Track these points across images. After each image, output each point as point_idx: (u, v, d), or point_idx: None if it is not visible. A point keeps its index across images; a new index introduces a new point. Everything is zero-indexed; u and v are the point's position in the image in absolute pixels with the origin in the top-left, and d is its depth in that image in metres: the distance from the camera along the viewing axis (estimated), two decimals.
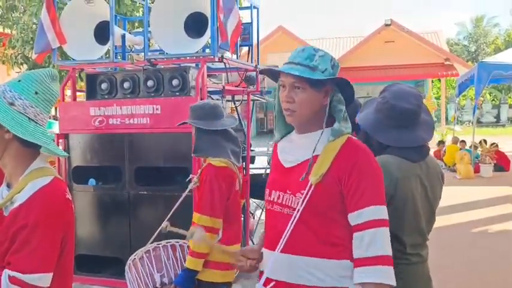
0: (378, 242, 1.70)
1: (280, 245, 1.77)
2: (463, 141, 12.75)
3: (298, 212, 1.75)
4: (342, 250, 1.75)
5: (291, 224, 1.76)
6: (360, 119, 2.31)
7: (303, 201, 1.74)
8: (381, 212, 1.73)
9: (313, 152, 1.79)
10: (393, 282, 1.71)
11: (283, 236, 1.77)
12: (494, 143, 12.25)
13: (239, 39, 4.65)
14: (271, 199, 1.88)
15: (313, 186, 1.74)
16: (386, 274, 1.69)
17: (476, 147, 12.18)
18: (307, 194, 1.74)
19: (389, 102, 2.20)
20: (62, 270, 1.69)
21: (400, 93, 2.22)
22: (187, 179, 3.24)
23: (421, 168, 2.21)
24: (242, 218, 4.44)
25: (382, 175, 1.81)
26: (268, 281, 1.80)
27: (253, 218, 6.12)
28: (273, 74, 1.93)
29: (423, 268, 2.23)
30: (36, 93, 1.65)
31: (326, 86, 1.80)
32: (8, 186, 1.73)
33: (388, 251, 1.72)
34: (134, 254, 3.04)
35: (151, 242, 3.13)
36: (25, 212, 1.59)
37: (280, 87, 1.85)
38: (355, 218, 1.73)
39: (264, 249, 1.93)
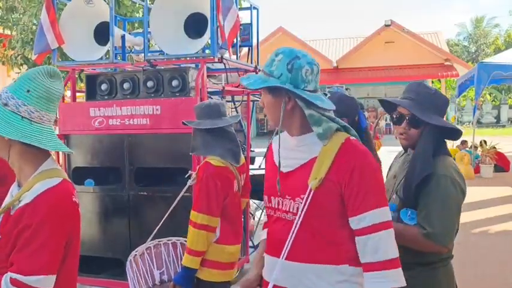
0: (383, 246, 1.69)
1: (284, 252, 1.76)
2: (464, 141, 12.71)
3: (299, 217, 1.74)
4: (342, 254, 1.75)
5: (294, 229, 1.75)
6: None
7: (304, 205, 1.73)
8: (383, 214, 1.72)
9: (310, 155, 1.77)
10: (402, 284, 1.71)
11: (286, 243, 1.76)
12: (493, 147, 12.24)
13: (239, 39, 4.65)
14: (272, 205, 1.87)
15: (312, 191, 1.72)
16: (394, 277, 1.69)
17: (476, 148, 12.17)
18: (307, 198, 1.72)
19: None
20: (66, 274, 1.67)
21: None
22: (187, 175, 3.24)
23: None
24: (242, 219, 4.45)
25: (381, 174, 1.79)
26: None
27: (253, 218, 6.12)
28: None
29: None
30: (28, 91, 1.64)
31: (282, 91, 1.76)
32: (19, 185, 1.73)
33: (395, 253, 1.71)
34: (135, 251, 3.05)
35: (152, 239, 3.14)
36: (30, 212, 1.58)
37: None
38: (357, 222, 1.71)
39: (266, 256, 1.92)
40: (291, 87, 1.73)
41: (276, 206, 1.85)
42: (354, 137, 1.82)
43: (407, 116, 2.20)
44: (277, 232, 1.83)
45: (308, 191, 1.73)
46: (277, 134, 1.88)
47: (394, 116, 2.27)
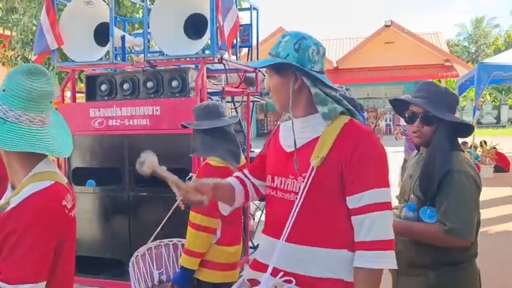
0: (378, 226, 1.67)
1: (284, 234, 1.74)
2: (464, 142, 12.69)
3: (301, 196, 1.72)
4: (341, 238, 1.73)
5: (295, 210, 1.73)
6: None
7: (306, 184, 1.71)
8: (382, 194, 1.70)
9: (313, 135, 1.77)
10: (392, 266, 1.70)
11: (287, 224, 1.74)
12: (494, 147, 12.23)
13: (239, 40, 4.65)
14: (275, 185, 1.85)
15: (314, 169, 1.71)
16: (385, 259, 1.67)
17: (476, 148, 12.17)
18: (309, 177, 1.71)
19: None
20: (60, 281, 1.61)
21: None
22: (187, 177, 3.24)
23: None
24: (242, 219, 4.44)
25: (386, 156, 1.78)
26: (276, 271, 1.75)
27: (253, 219, 6.11)
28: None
29: None
30: (4, 90, 1.58)
31: (289, 71, 1.77)
32: (12, 187, 1.68)
33: (390, 235, 1.70)
34: (137, 251, 3.05)
35: (153, 240, 3.14)
36: (16, 216, 1.52)
37: None
38: (356, 201, 1.70)
39: (264, 235, 1.89)
40: (298, 65, 1.76)
41: (278, 186, 1.83)
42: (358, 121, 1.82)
43: (420, 114, 2.24)
44: (277, 212, 1.82)
45: (310, 169, 1.71)
46: (284, 120, 1.93)
47: (407, 115, 2.30)
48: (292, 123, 1.82)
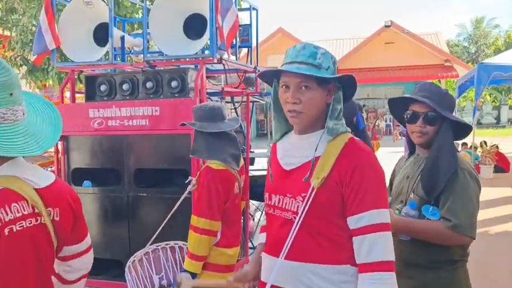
0: (378, 247, 1.66)
1: (283, 252, 1.73)
2: (464, 143, 12.68)
3: (300, 216, 1.72)
4: (342, 254, 1.73)
5: (294, 229, 1.72)
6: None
7: (305, 204, 1.71)
8: (381, 215, 1.69)
9: (315, 153, 1.75)
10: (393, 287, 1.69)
11: (286, 243, 1.73)
12: (494, 145, 12.24)
13: (238, 40, 4.64)
14: (272, 203, 1.84)
15: (314, 190, 1.70)
16: (385, 281, 1.66)
17: (476, 148, 12.16)
18: (309, 197, 1.70)
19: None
20: None
21: None
22: (187, 181, 3.23)
23: None
24: (242, 220, 4.44)
25: (384, 177, 1.78)
26: None
27: (253, 220, 6.11)
28: (269, 76, 1.87)
29: None
30: None
31: (330, 84, 1.76)
32: None
33: (390, 256, 1.69)
34: (133, 256, 3.04)
35: (151, 244, 3.13)
36: None
37: (280, 87, 1.79)
38: (355, 222, 1.69)
39: (265, 255, 1.89)
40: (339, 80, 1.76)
41: (276, 204, 1.82)
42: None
43: (423, 113, 2.24)
44: (277, 231, 1.81)
45: (310, 189, 1.71)
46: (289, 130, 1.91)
47: (407, 115, 2.30)
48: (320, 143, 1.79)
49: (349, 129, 1.82)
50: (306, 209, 1.71)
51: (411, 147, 2.42)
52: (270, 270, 1.78)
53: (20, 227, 1.55)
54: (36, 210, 1.59)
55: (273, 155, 1.96)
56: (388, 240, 1.70)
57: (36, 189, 1.60)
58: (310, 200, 1.70)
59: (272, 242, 1.85)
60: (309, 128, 1.80)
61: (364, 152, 1.76)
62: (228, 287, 1.81)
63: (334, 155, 1.73)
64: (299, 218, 1.72)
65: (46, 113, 1.71)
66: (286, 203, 1.78)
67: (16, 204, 1.54)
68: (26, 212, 1.56)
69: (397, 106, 2.40)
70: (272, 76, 1.87)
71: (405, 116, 2.32)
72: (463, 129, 2.30)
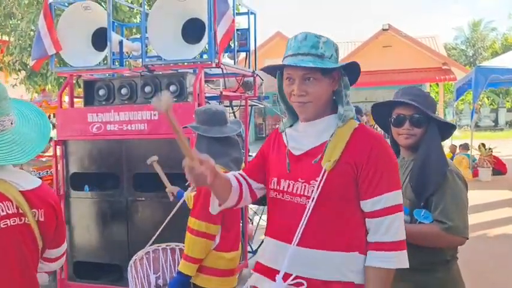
0: (395, 227, 1.71)
1: (296, 238, 1.73)
2: (465, 144, 12.65)
3: (313, 200, 1.71)
4: (352, 241, 1.74)
5: (306, 213, 1.72)
6: None
7: (318, 188, 1.71)
8: (397, 197, 1.74)
9: (322, 138, 1.77)
10: (406, 265, 1.74)
11: (298, 229, 1.72)
12: (490, 148, 12.24)
13: (237, 44, 4.65)
14: (281, 188, 1.83)
15: (326, 173, 1.71)
16: (401, 259, 1.72)
17: (474, 149, 12.17)
18: (321, 181, 1.71)
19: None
20: None
21: None
22: (186, 184, 3.23)
23: None
24: (241, 224, 4.43)
25: (396, 160, 1.82)
26: (287, 275, 1.73)
27: (252, 223, 6.11)
28: (273, 69, 1.88)
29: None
30: None
31: (335, 72, 1.78)
32: None
33: (403, 235, 1.74)
34: (136, 255, 3.05)
35: (151, 244, 3.13)
36: None
37: (285, 80, 1.80)
38: (372, 204, 1.72)
39: (272, 240, 1.86)
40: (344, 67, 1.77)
41: (285, 189, 1.81)
42: None
43: (409, 116, 2.25)
44: (287, 216, 1.79)
45: (322, 173, 1.71)
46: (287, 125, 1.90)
47: (393, 119, 2.30)
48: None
49: (354, 112, 1.84)
50: (318, 192, 1.71)
51: (395, 151, 2.43)
52: (280, 256, 1.76)
53: (4, 225, 1.67)
54: (21, 211, 1.70)
55: (274, 142, 1.95)
56: (401, 220, 1.75)
57: (21, 191, 1.71)
58: (323, 183, 1.71)
59: (281, 228, 1.82)
60: (316, 115, 1.81)
61: (378, 137, 1.79)
62: (190, 151, 1.62)
63: (345, 139, 1.74)
64: (312, 202, 1.72)
65: (35, 122, 1.80)
66: (297, 188, 1.78)
67: (1, 204, 1.65)
68: (10, 212, 1.67)
69: (380, 111, 2.42)
70: (272, 71, 1.89)
71: (391, 120, 2.33)
72: (448, 129, 2.33)
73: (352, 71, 1.81)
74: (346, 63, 1.77)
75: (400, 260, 1.72)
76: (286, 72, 1.78)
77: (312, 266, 1.73)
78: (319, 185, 1.71)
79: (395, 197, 1.73)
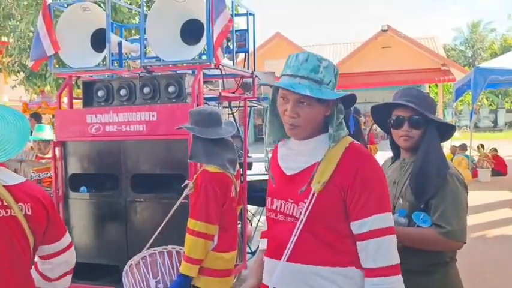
0: (383, 251, 1.67)
1: (285, 254, 1.73)
2: (463, 144, 12.65)
3: (301, 221, 1.71)
4: (345, 258, 1.72)
5: (295, 232, 1.72)
6: None
7: (306, 210, 1.70)
8: (385, 220, 1.70)
9: (314, 159, 1.75)
10: None
11: (288, 245, 1.72)
12: (493, 148, 12.25)
13: (235, 45, 4.65)
14: (274, 208, 1.83)
15: (315, 195, 1.70)
16: (394, 284, 1.67)
17: (473, 150, 12.18)
18: (309, 203, 1.70)
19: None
20: None
21: None
22: (183, 185, 3.23)
23: None
24: (239, 225, 4.43)
25: (385, 180, 1.78)
26: None
27: (251, 224, 6.10)
28: (270, 85, 1.88)
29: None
30: None
31: (330, 100, 1.74)
32: None
33: (395, 259, 1.70)
34: (131, 260, 3.04)
35: (148, 248, 3.13)
36: None
37: (279, 97, 1.77)
38: (358, 227, 1.69)
39: (266, 259, 1.88)
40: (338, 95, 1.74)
41: (278, 209, 1.81)
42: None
43: (408, 117, 2.24)
44: (278, 235, 1.80)
45: (311, 194, 1.70)
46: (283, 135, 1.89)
47: (392, 120, 2.30)
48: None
49: (347, 131, 1.82)
50: (307, 214, 1.70)
51: (395, 152, 2.43)
52: (272, 272, 1.77)
53: None
54: (5, 203, 1.81)
55: (273, 158, 1.95)
56: (391, 244, 1.70)
57: (4, 186, 1.83)
58: (311, 204, 1.70)
59: (274, 246, 1.83)
60: (307, 136, 1.80)
61: (365, 156, 1.76)
62: None
63: (335, 160, 1.72)
64: (300, 222, 1.71)
65: (16, 125, 1.92)
66: (288, 208, 1.77)
67: None
68: None
69: (380, 113, 2.41)
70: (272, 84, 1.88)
71: (390, 121, 2.32)
72: (448, 131, 2.32)
73: (347, 99, 1.79)
74: (343, 95, 1.74)
75: (394, 285, 1.68)
76: (281, 91, 1.75)
77: (305, 280, 1.73)
78: (307, 207, 1.70)
79: (383, 220, 1.69)
